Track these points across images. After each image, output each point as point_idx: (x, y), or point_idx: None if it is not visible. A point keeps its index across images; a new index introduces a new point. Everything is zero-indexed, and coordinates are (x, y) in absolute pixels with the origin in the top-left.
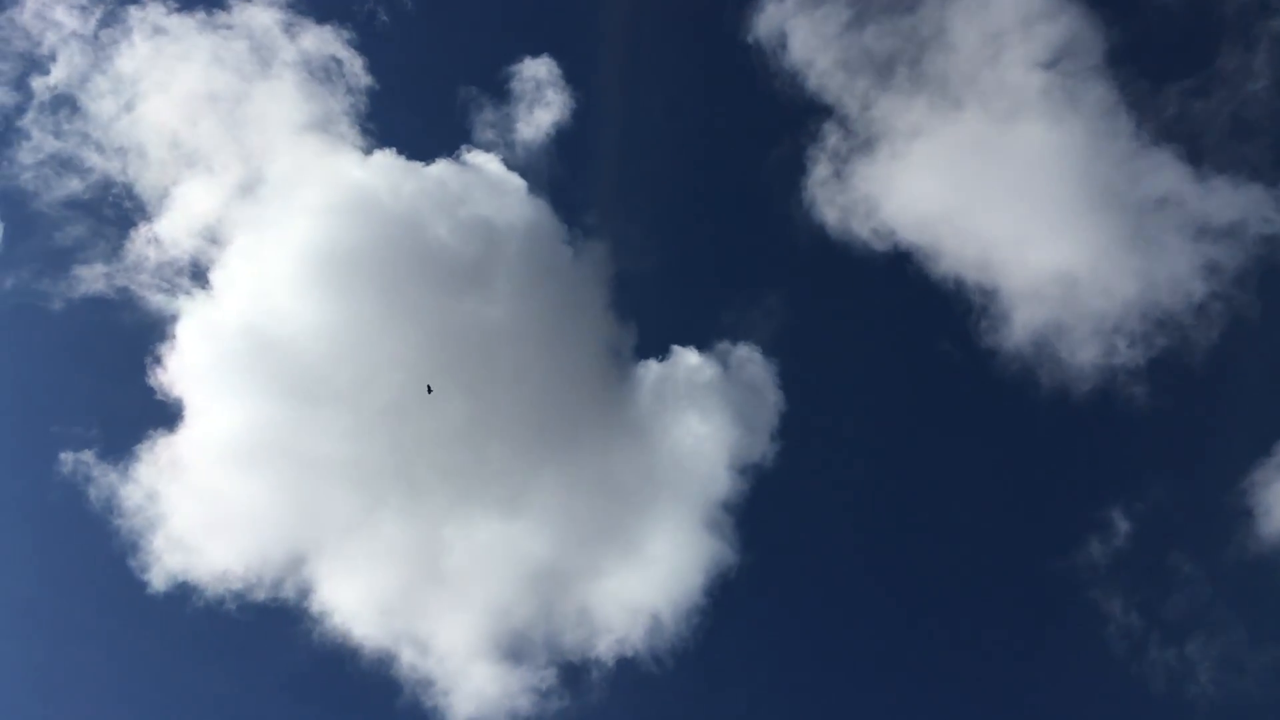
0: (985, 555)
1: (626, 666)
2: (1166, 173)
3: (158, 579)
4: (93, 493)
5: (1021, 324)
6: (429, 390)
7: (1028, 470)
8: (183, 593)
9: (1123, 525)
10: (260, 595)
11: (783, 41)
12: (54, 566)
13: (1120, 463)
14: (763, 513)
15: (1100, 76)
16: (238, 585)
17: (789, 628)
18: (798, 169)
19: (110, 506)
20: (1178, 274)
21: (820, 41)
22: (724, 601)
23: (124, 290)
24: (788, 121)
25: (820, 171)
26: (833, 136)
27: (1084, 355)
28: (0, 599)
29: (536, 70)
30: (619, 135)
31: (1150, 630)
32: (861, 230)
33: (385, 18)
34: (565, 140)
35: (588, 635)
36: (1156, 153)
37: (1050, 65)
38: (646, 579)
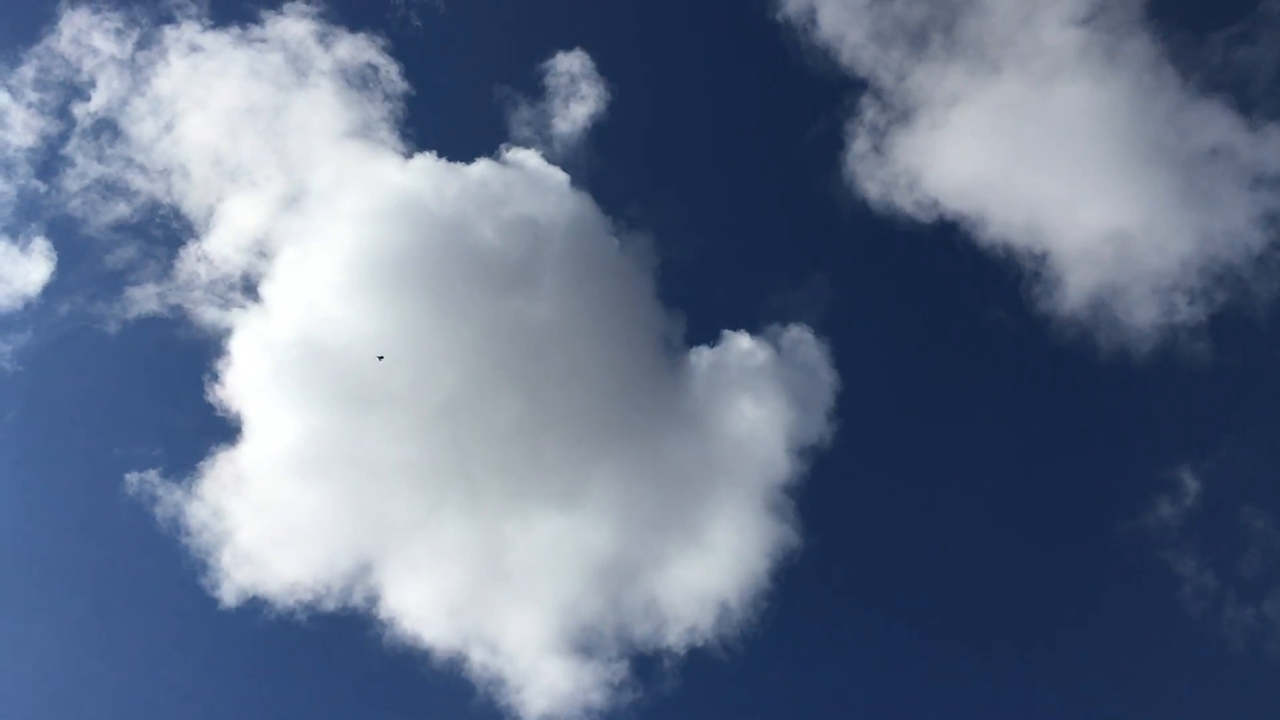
0: (1054, 522)
1: (698, 656)
2: (1216, 123)
3: (228, 595)
4: (159, 512)
5: (1076, 287)
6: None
7: (1092, 434)
8: (254, 607)
9: (1192, 484)
10: (330, 605)
11: (812, 17)
12: (126, 589)
13: (1187, 421)
14: (824, 494)
15: (1140, 29)
16: (307, 596)
17: (857, 607)
18: (836, 145)
19: (177, 525)
20: (1235, 226)
21: (850, 14)
22: (791, 585)
23: (177, 308)
24: (823, 98)
25: (859, 146)
26: (869, 110)
27: (1142, 315)
28: (75, 625)
29: (569, 64)
30: (655, 123)
31: (1225, 589)
32: (904, 203)
33: (418, 22)
34: (603, 132)
35: (657, 626)
36: (1205, 104)
37: (1087, 21)
38: (712, 567)
